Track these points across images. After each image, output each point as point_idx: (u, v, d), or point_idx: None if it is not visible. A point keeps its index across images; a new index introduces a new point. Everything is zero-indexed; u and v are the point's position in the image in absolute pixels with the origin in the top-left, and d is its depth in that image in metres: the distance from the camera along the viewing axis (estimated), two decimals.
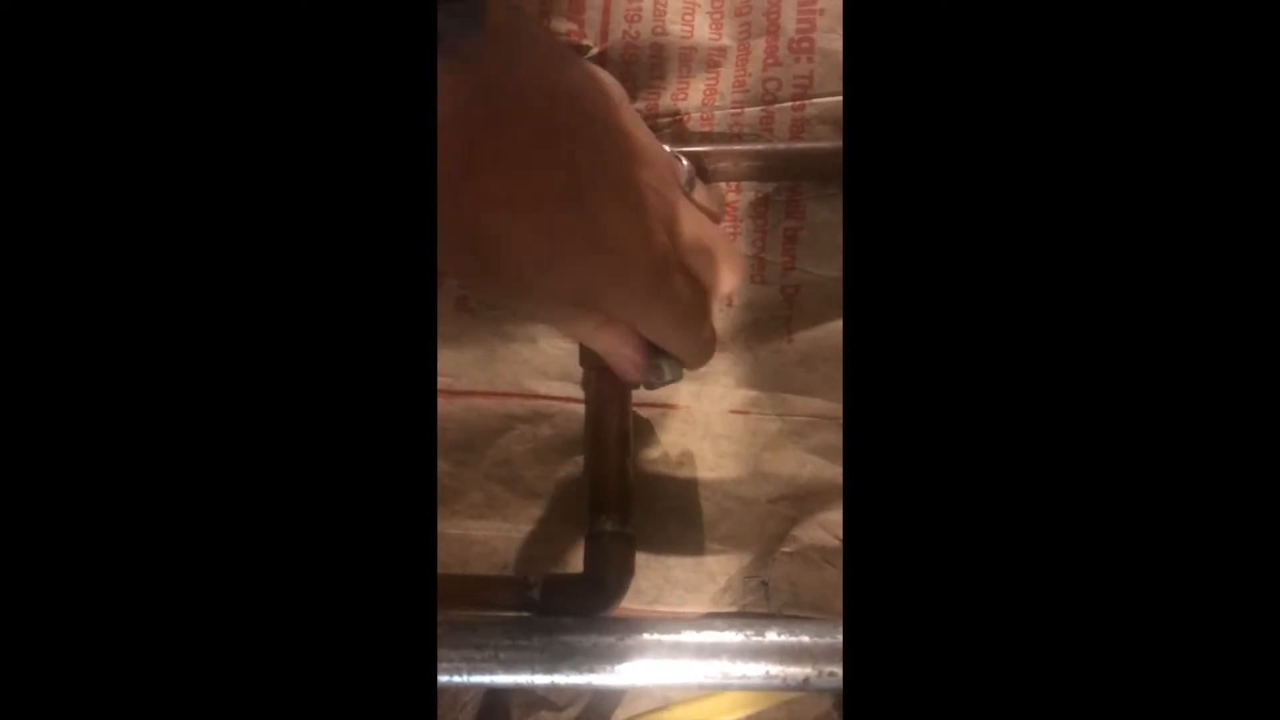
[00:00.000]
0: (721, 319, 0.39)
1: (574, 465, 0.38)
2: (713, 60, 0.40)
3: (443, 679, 0.26)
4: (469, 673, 0.27)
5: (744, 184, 0.39)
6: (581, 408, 0.39)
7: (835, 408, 0.37)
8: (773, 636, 0.27)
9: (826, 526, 0.36)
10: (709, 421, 0.38)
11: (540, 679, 0.27)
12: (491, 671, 0.26)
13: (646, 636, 0.27)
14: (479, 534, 0.37)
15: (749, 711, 0.32)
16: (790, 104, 0.39)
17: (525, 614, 0.29)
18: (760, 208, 0.39)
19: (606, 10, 0.41)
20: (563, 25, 0.41)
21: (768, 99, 0.39)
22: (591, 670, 0.27)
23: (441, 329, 0.40)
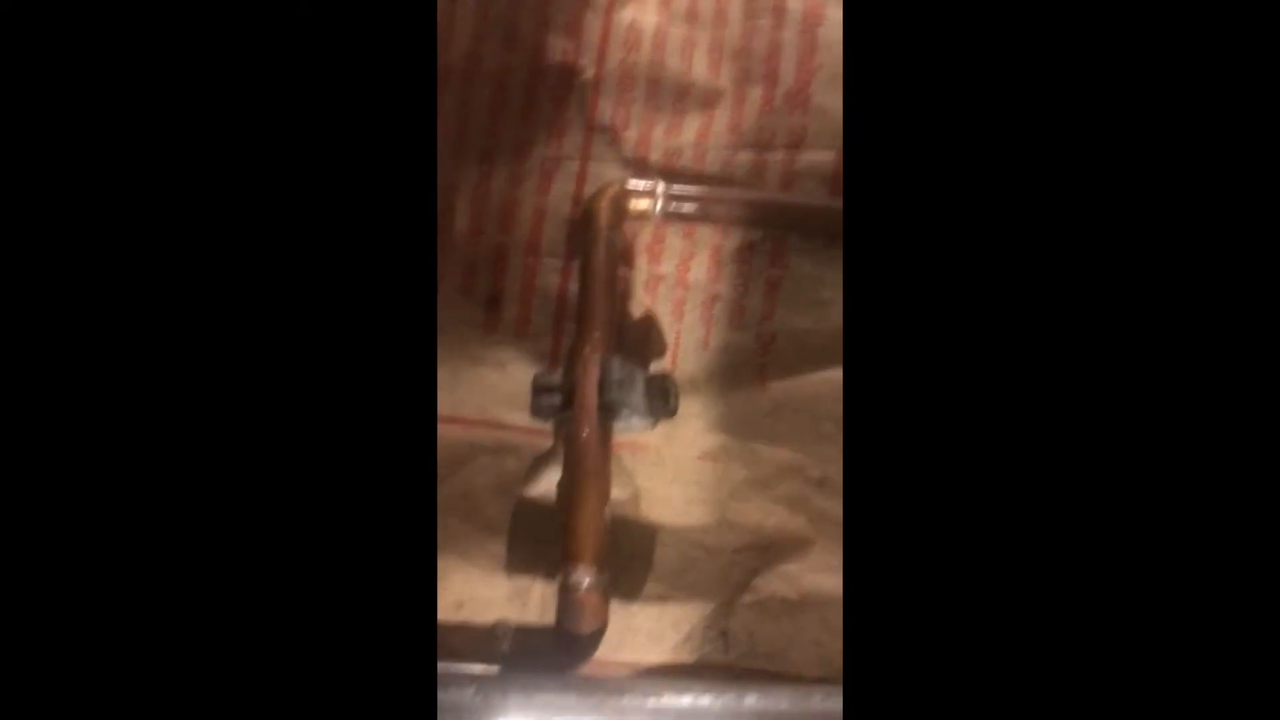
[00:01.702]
0: (696, 360, 0.39)
1: (540, 501, 0.37)
2: (709, 100, 0.40)
3: None
4: None
5: (731, 229, 0.39)
6: (548, 441, 0.37)
7: (802, 459, 0.38)
8: (751, 702, 0.27)
9: (787, 578, 0.36)
10: (678, 465, 0.38)
11: None
12: None
13: (626, 700, 0.26)
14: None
15: None
16: (782, 154, 0.39)
17: (493, 667, 0.28)
18: (746, 253, 0.39)
19: (605, 34, 0.40)
20: (559, 43, 0.40)
21: (761, 146, 0.40)
22: None
23: None
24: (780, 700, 0.27)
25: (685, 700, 0.27)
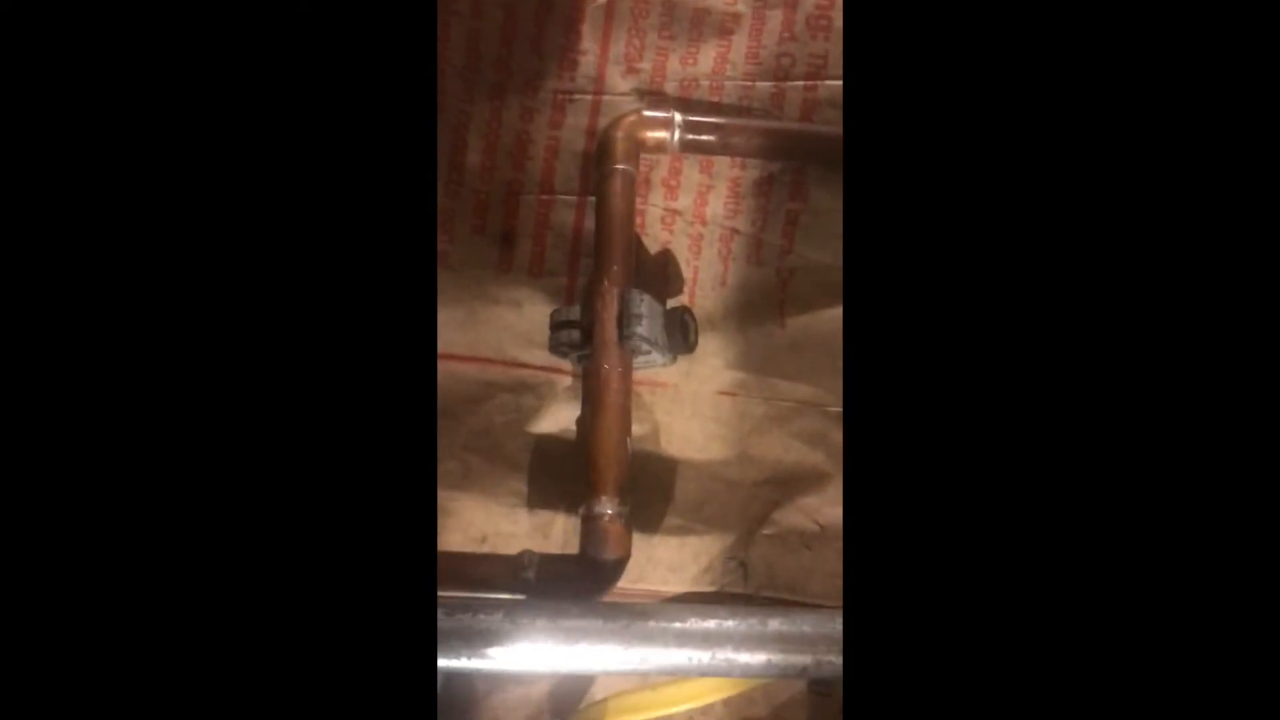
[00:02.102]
0: (714, 298, 0.38)
1: (559, 438, 0.37)
2: (726, 26, 0.39)
3: (443, 662, 0.25)
4: (469, 657, 0.25)
5: (750, 160, 0.38)
6: (567, 379, 0.37)
7: (821, 394, 0.38)
8: (775, 626, 0.27)
9: (805, 511, 0.37)
10: (697, 401, 0.37)
11: (543, 665, 0.26)
12: (494, 658, 0.25)
13: (652, 624, 0.27)
14: (454, 504, 0.36)
15: (728, 693, 0.33)
16: (803, 83, 0.38)
17: (520, 596, 0.28)
18: (764, 186, 0.38)
19: None
20: None
21: (781, 75, 0.38)
22: (597, 657, 0.26)
23: None
24: (803, 624, 0.27)
25: (710, 624, 0.27)
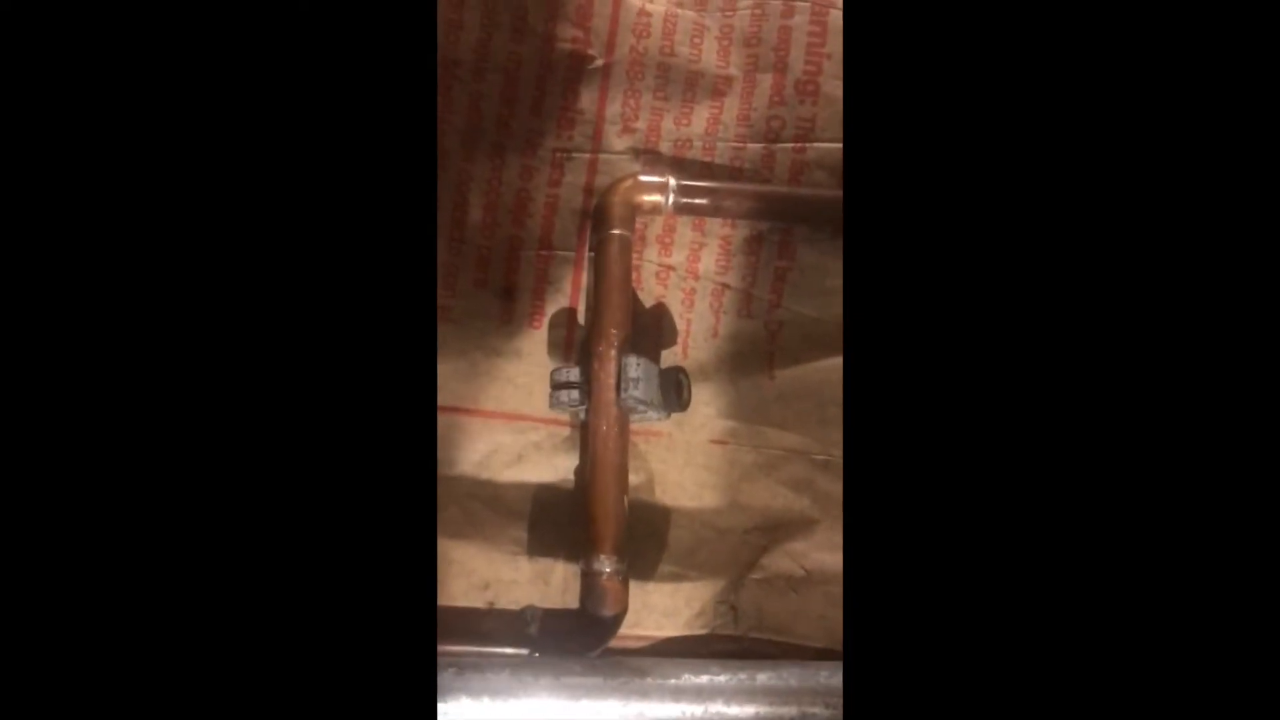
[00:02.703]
0: (706, 349, 0.40)
1: (558, 487, 0.39)
2: (718, 89, 0.40)
3: (452, 716, 0.27)
4: (477, 712, 0.27)
5: (740, 220, 0.40)
6: (566, 429, 0.39)
7: (808, 443, 0.39)
8: (764, 679, 0.29)
9: (792, 555, 0.39)
10: (690, 450, 0.39)
11: (545, 717, 0.28)
12: (501, 712, 0.27)
13: (649, 680, 0.28)
14: (457, 553, 0.37)
15: None
16: (792, 145, 0.40)
17: (524, 650, 0.30)
18: (754, 245, 0.40)
19: (615, 21, 0.40)
20: (569, 32, 0.40)
21: (771, 137, 0.40)
22: (597, 711, 0.28)
23: None
24: (790, 678, 0.29)
25: (703, 679, 0.29)
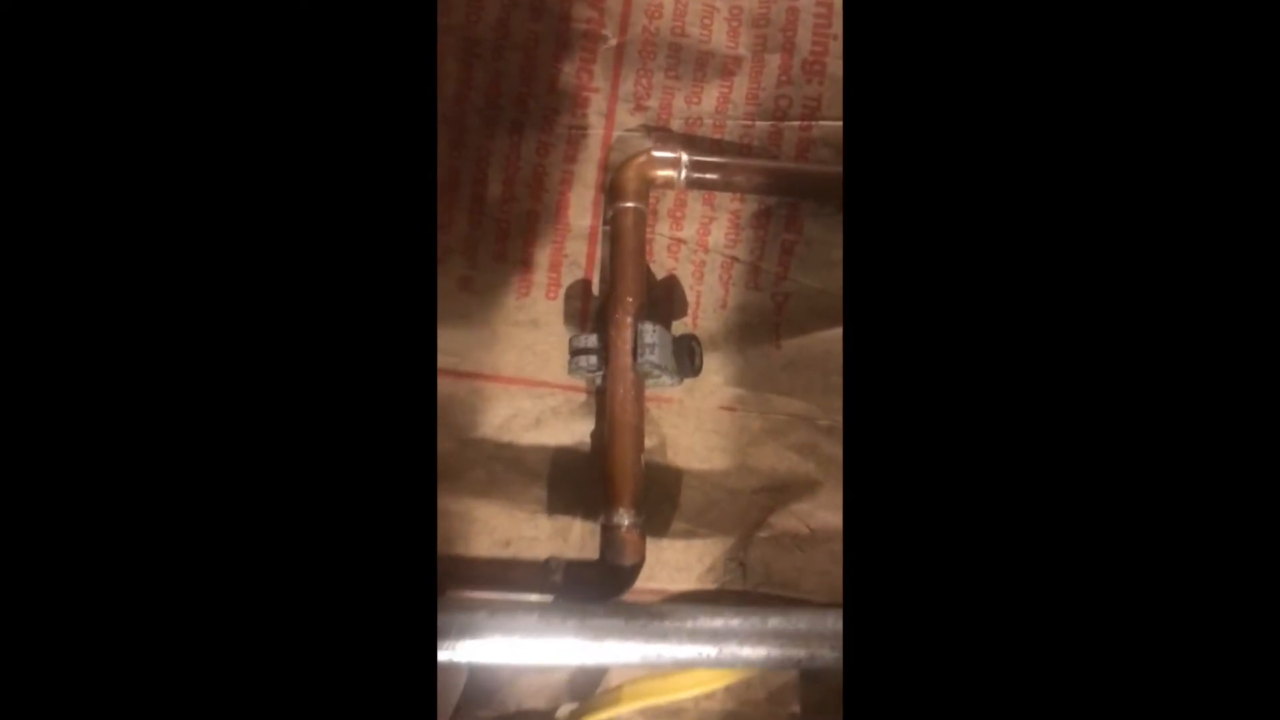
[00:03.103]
0: (715, 320, 0.42)
1: (575, 450, 0.40)
2: (728, 68, 0.42)
3: (486, 656, 0.29)
4: (510, 654, 0.29)
5: (749, 195, 0.42)
6: (580, 395, 0.41)
7: (812, 409, 0.41)
8: (774, 624, 0.31)
9: (798, 515, 0.41)
10: (700, 416, 0.41)
11: (572, 659, 0.30)
12: (532, 653, 0.29)
13: (667, 623, 0.30)
14: (480, 511, 0.39)
15: (730, 681, 0.37)
16: (799, 124, 0.42)
17: (548, 596, 0.32)
18: (762, 219, 0.42)
19: (628, 2, 0.42)
20: (584, 13, 0.41)
21: (778, 115, 0.42)
22: (619, 652, 0.30)
23: (445, 308, 0.41)
24: (799, 622, 0.31)
25: (717, 622, 0.31)
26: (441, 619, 0.29)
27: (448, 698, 0.33)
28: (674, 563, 0.39)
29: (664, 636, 0.30)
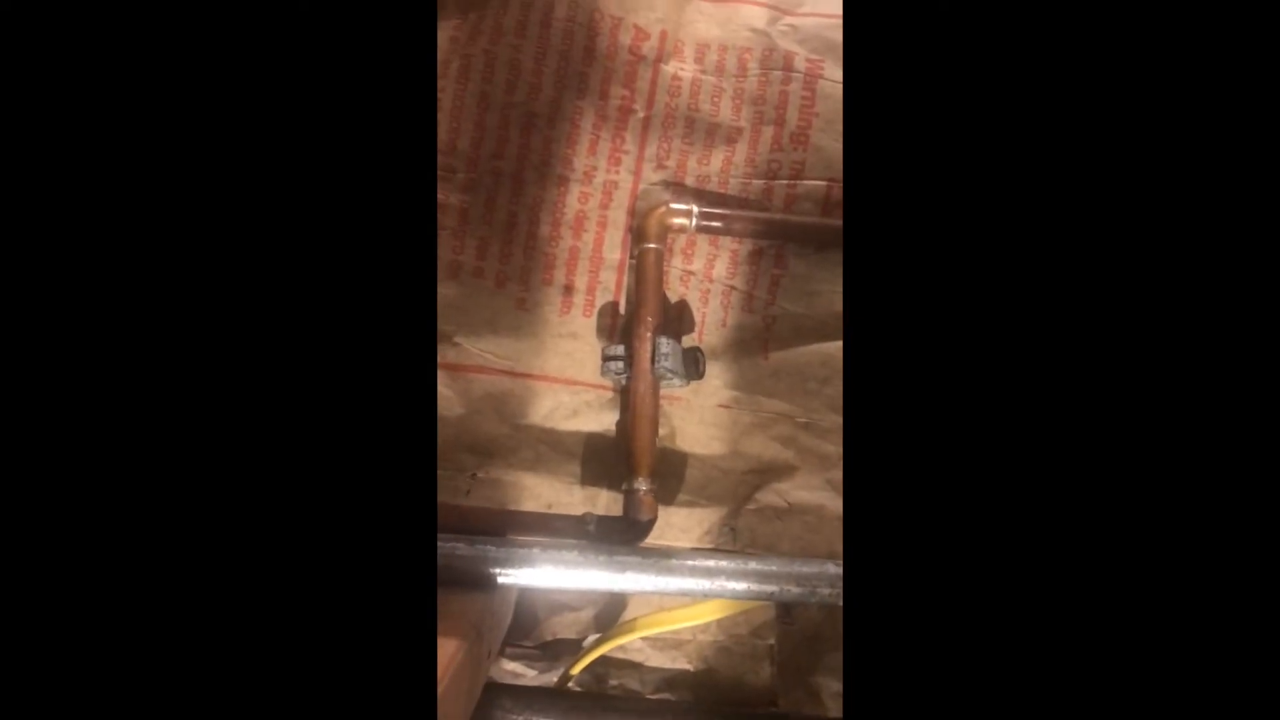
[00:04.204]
0: (717, 336, 0.52)
1: (603, 435, 0.51)
2: (731, 137, 0.53)
3: (540, 584, 0.40)
4: (556, 580, 0.40)
5: (746, 238, 0.52)
6: (608, 393, 0.51)
7: (793, 409, 0.52)
8: (753, 566, 0.41)
9: (778, 493, 0.51)
10: (703, 411, 0.52)
11: (601, 586, 0.40)
12: (572, 579, 0.40)
13: (674, 561, 0.41)
14: (528, 481, 0.50)
15: (721, 615, 0.47)
16: (786, 182, 0.52)
17: (583, 542, 0.42)
18: (755, 257, 0.53)
19: (654, 84, 0.53)
20: (619, 91, 0.52)
21: (770, 175, 0.52)
22: (636, 581, 0.40)
23: (503, 322, 0.51)
24: (772, 565, 0.42)
25: (710, 562, 0.41)
26: (503, 552, 0.40)
27: (505, 613, 0.44)
28: (679, 525, 0.50)
29: (670, 571, 0.41)
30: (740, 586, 0.41)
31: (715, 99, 0.53)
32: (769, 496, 0.51)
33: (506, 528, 0.44)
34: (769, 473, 0.51)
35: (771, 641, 0.50)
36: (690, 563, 0.41)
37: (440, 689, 0.24)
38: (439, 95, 0.51)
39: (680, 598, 0.49)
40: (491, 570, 0.39)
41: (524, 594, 0.49)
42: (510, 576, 0.40)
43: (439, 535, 0.39)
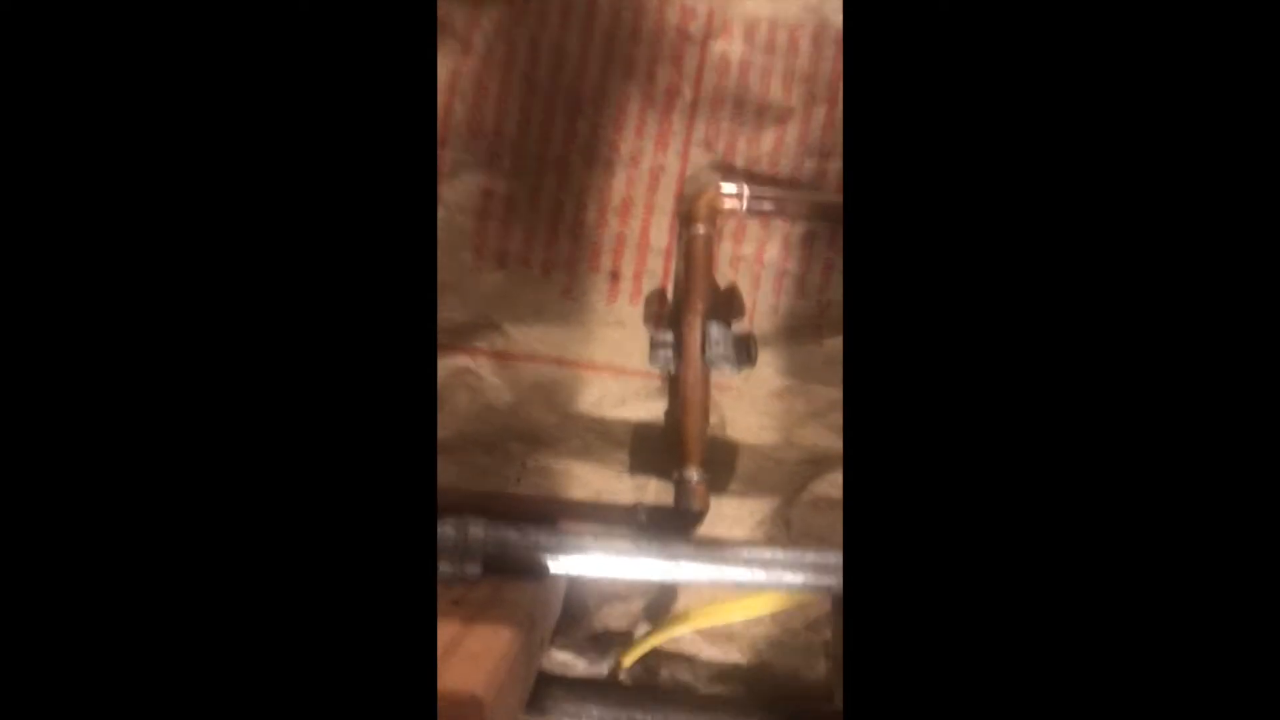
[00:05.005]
0: (769, 322, 0.51)
1: (651, 424, 0.50)
2: (782, 118, 0.51)
3: (592, 572, 0.39)
4: (609, 569, 0.39)
5: (798, 221, 0.51)
6: (656, 381, 0.51)
7: None
8: (810, 558, 0.40)
9: (833, 484, 0.50)
10: (754, 400, 0.50)
11: (653, 576, 0.39)
12: (624, 569, 0.39)
13: (728, 552, 0.40)
14: (577, 470, 0.49)
15: (775, 609, 0.46)
16: (839, 162, 0.51)
17: (635, 531, 0.42)
18: (808, 240, 0.51)
19: (701, 64, 0.51)
20: (666, 73, 0.51)
21: (823, 155, 0.51)
22: (691, 572, 0.39)
23: (550, 310, 0.51)
24: (829, 558, 0.40)
25: (767, 554, 0.40)
26: (554, 540, 0.39)
27: (555, 602, 0.43)
28: (731, 517, 0.49)
29: (724, 561, 0.40)
30: (797, 579, 0.40)
31: (765, 78, 0.51)
32: (823, 487, 0.49)
33: (557, 516, 0.43)
34: (823, 463, 0.50)
35: (827, 636, 0.49)
36: (746, 553, 0.40)
37: (497, 679, 0.24)
38: (485, 82, 0.51)
39: (734, 590, 0.47)
40: (543, 559, 0.39)
41: (573, 584, 0.49)
42: (562, 565, 0.39)
43: (489, 522, 0.39)
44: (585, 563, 0.39)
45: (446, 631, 0.28)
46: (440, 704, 0.22)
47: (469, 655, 0.26)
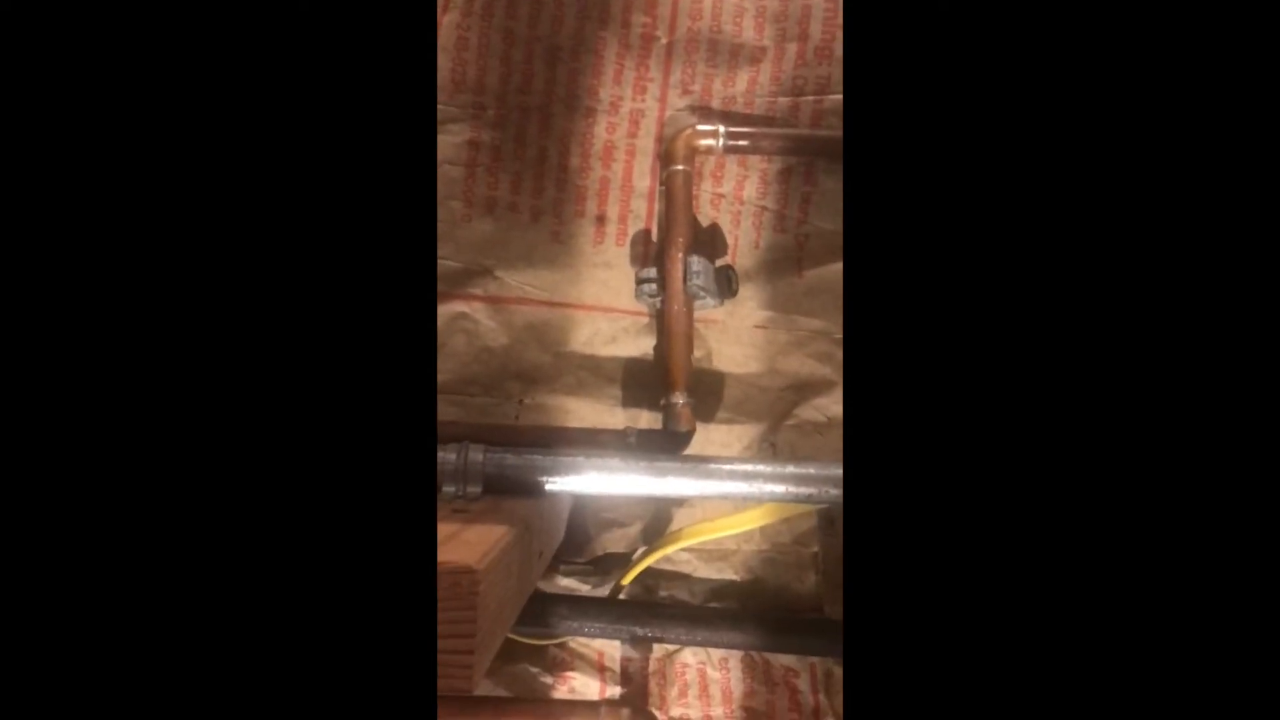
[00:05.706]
0: (750, 257, 0.53)
1: (641, 360, 0.52)
2: (755, 57, 0.53)
3: (584, 489, 0.42)
4: (601, 486, 0.42)
5: (775, 156, 0.53)
6: (644, 319, 0.53)
7: (829, 326, 0.52)
8: (790, 469, 0.42)
9: (817, 408, 0.52)
10: (739, 332, 0.53)
11: (644, 490, 0.42)
12: (615, 485, 0.42)
13: (712, 466, 0.42)
14: (571, 405, 0.52)
15: (763, 523, 0.49)
16: (813, 98, 0.52)
17: (626, 453, 0.44)
18: (785, 175, 0.53)
19: (675, 8, 0.53)
20: (641, 19, 0.53)
21: (796, 92, 0.52)
22: (677, 486, 0.42)
23: (540, 254, 0.53)
24: (809, 469, 0.43)
25: (749, 466, 0.43)
26: (549, 461, 0.42)
27: (556, 523, 0.46)
28: (719, 441, 0.51)
29: (709, 475, 0.42)
30: (779, 489, 0.42)
31: (737, 19, 0.53)
32: (808, 412, 0.52)
33: (555, 445, 0.46)
34: (807, 389, 0.52)
35: (815, 550, 0.51)
36: (728, 467, 0.43)
37: (489, 556, 0.27)
38: (465, 34, 0.52)
39: (721, 504, 0.50)
40: (539, 479, 0.41)
41: (576, 514, 0.51)
42: (557, 484, 0.42)
43: (488, 448, 0.42)
44: (579, 481, 0.42)
45: (448, 529, 0.31)
46: (439, 571, 0.25)
47: (465, 541, 0.28)
